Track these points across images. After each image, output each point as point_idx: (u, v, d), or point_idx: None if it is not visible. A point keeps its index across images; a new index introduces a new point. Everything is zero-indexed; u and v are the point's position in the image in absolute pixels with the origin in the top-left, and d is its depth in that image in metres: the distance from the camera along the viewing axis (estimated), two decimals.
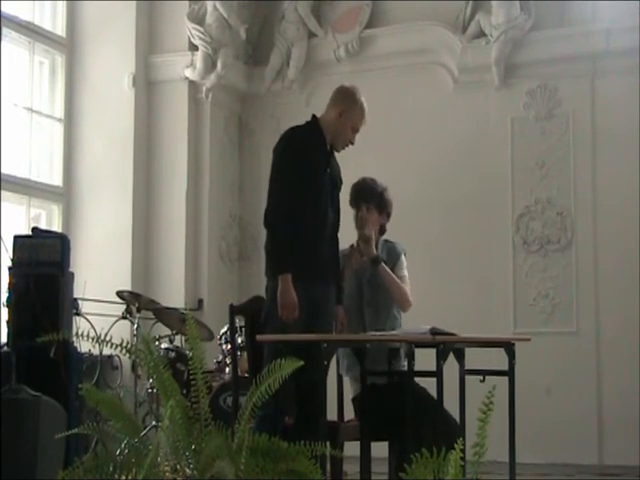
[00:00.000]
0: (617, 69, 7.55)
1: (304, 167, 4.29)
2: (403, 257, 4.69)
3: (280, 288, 4.16)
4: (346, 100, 4.44)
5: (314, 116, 4.48)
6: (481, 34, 8.00)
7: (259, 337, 4.14)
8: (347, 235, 4.65)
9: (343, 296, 4.50)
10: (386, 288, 4.56)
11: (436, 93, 8.14)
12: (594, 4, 7.68)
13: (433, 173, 7.92)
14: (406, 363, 4.07)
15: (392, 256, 4.66)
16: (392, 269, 4.61)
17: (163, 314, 6.70)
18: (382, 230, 4.72)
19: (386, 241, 4.73)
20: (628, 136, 7.46)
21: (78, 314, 6.29)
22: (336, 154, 4.56)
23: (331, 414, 4.24)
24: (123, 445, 2.77)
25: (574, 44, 7.65)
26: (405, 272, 4.67)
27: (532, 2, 7.85)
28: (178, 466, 2.57)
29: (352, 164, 7.96)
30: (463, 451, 2.30)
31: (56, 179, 8.13)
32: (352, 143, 4.46)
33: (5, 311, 5.42)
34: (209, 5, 8.29)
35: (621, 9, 7.51)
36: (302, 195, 4.26)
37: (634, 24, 7.42)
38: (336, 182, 4.47)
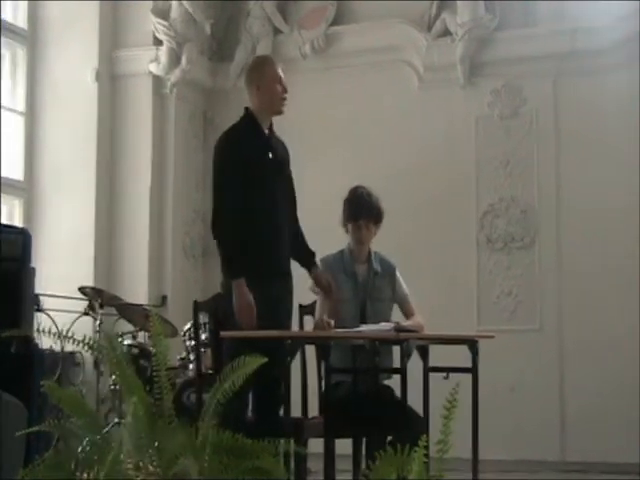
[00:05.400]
0: (581, 70, 7.61)
1: (242, 166, 4.27)
2: (399, 273, 4.73)
3: (235, 294, 4.16)
4: (253, 72, 4.47)
5: (246, 108, 4.47)
6: (446, 32, 8.03)
7: (223, 333, 4.12)
8: (339, 240, 4.68)
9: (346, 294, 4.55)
10: (388, 302, 4.61)
11: (402, 91, 8.15)
12: (559, 5, 7.73)
13: (398, 170, 7.93)
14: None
15: (387, 268, 4.71)
16: (392, 283, 4.66)
17: (126, 310, 6.65)
18: None
19: (375, 251, 4.75)
20: (591, 135, 7.52)
21: (39, 310, 6.22)
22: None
23: (295, 410, 4.23)
24: (85, 442, 2.73)
25: (539, 44, 7.70)
26: (407, 291, 4.73)
27: (497, 2, 7.88)
28: (141, 463, 2.54)
29: (319, 161, 8.04)
30: (427, 448, 2.30)
31: (17, 173, 8.03)
32: (286, 92, 4.42)
33: None
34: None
35: (586, 10, 7.57)
36: (245, 196, 4.26)
37: (598, 25, 7.48)
38: (282, 163, 4.45)
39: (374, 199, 4.68)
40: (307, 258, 4.48)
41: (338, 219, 4.75)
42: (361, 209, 4.64)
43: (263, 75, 4.41)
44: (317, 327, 4.42)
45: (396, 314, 4.78)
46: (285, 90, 4.42)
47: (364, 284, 4.62)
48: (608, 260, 7.38)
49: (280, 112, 4.45)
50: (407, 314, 4.69)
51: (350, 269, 4.63)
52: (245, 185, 4.27)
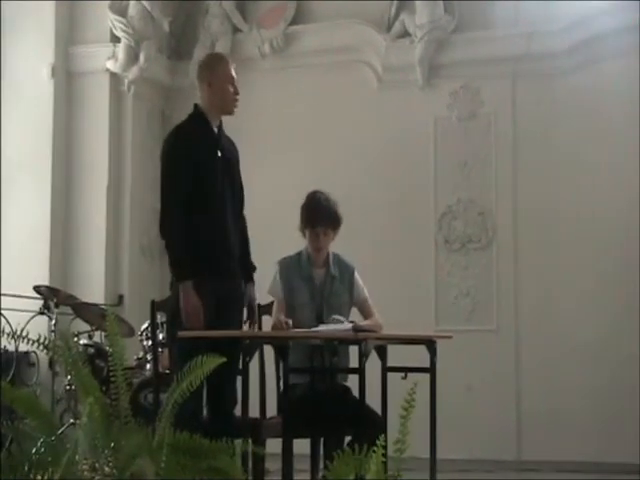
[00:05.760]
0: (537, 72, 7.69)
1: (190, 165, 4.20)
2: (357, 275, 4.68)
3: (182, 296, 4.12)
4: (205, 70, 4.39)
5: (195, 105, 4.40)
6: (405, 33, 8.06)
7: (181, 333, 4.09)
8: (297, 242, 4.65)
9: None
10: (345, 306, 4.58)
11: (361, 91, 8.17)
12: (516, 8, 7.81)
13: (356, 171, 7.94)
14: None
15: (345, 271, 4.65)
16: (351, 286, 4.61)
17: (82, 310, 6.58)
18: None
19: (336, 254, 4.71)
20: (547, 137, 7.60)
21: None
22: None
23: (254, 411, 4.22)
24: (39, 444, 2.69)
25: (496, 46, 7.77)
26: (366, 293, 4.67)
27: (456, 3, 7.94)
28: (97, 464, 2.51)
29: (276, 161, 8.02)
30: (385, 447, 2.30)
31: None
32: (237, 93, 4.35)
33: None
34: None
35: (542, 13, 7.66)
36: (194, 194, 4.19)
37: (554, 28, 7.57)
38: (231, 162, 4.38)
39: (332, 204, 4.60)
40: (246, 272, 4.41)
41: (293, 220, 4.71)
42: (318, 216, 4.56)
43: (216, 73, 4.34)
44: (275, 327, 4.40)
45: (355, 316, 4.77)
46: (236, 92, 4.34)
47: (321, 289, 4.57)
48: (564, 261, 7.46)
49: (230, 113, 4.37)
50: (366, 316, 4.67)
51: (307, 273, 4.58)
52: (193, 184, 4.20)
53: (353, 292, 4.63)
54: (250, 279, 4.42)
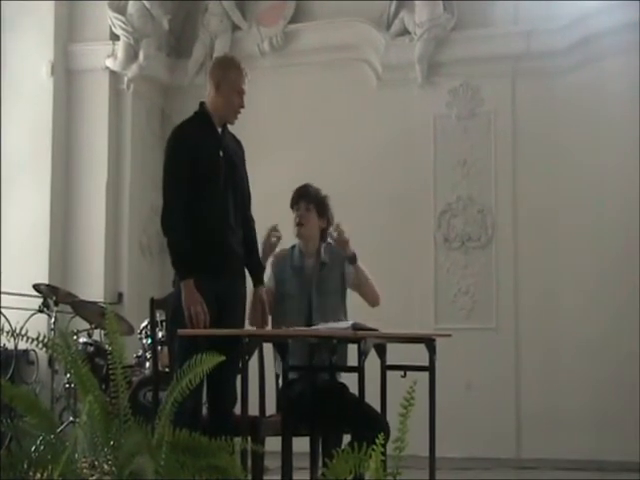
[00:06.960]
0: (536, 71, 7.69)
1: (192, 165, 4.17)
2: (359, 263, 4.68)
3: (183, 295, 4.10)
4: (217, 70, 4.33)
5: (201, 103, 4.36)
6: (405, 32, 8.07)
7: (180, 331, 4.08)
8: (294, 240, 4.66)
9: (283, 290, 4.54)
10: (337, 292, 4.61)
11: (360, 89, 8.17)
12: (516, 6, 7.81)
13: (356, 169, 7.95)
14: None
15: (336, 257, 4.66)
16: (342, 272, 4.64)
17: (82, 308, 6.58)
18: (323, 236, 4.70)
19: (328, 244, 4.73)
20: (547, 136, 7.60)
21: None
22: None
23: (253, 409, 4.22)
24: (39, 442, 2.69)
25: (495, 45, 7.77)
26: (362, 276, 4.67)
27: (455, 2, 7.94)
28: (96, 462, 2.52)
29: (276, 159, 8.02)
30: (384, 446, 2.30)
31: None
32: (242, 107, 4.30)
33: None
34: None
35: (542, 12, 7.66)
36: (195, 193, 4.17)
37: (554, 27, 7.58)
38: (234, 161, 4.33)
39: (316, 188, 4.69)
40: (254, 273, 4.38)
41: (291, 218, 4.72)
42: (300, 192, 4.66)
43: (226, 77, 4.27)
44: (266, 236, 4.50)
45: (354, 308, 4.77)
46: (242, 105, 4.28)
47: (310, 277, 4.61)
48: (564, 259, 7.46)
49: (230, 123, 4.33)
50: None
51: (298, 264, 4.62)
52: (193, 184, 4.17)
53: (345, 277, 4.65)
54: (259, 281, 4.38)
